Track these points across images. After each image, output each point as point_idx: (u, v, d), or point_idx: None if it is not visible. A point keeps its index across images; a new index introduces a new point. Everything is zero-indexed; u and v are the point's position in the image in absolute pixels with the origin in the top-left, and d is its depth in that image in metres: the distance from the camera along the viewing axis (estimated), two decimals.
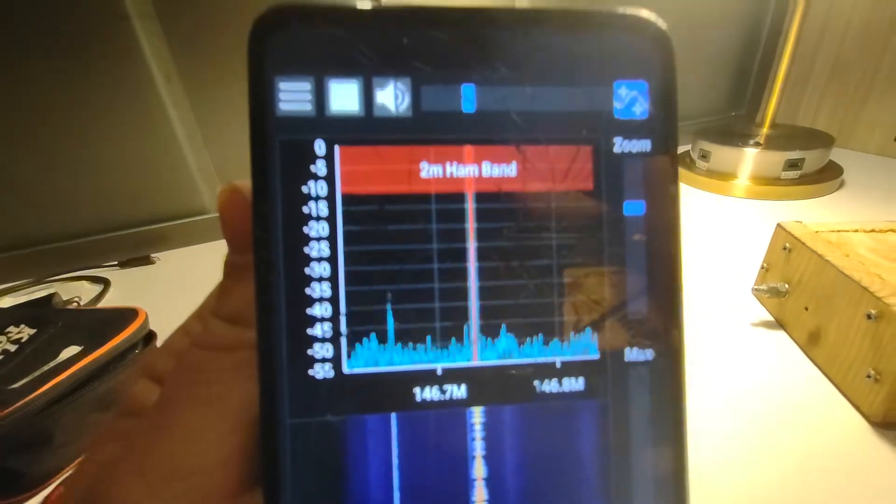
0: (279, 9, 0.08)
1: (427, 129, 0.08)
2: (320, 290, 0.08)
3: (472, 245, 0.09)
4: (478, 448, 0.08)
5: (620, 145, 0.09)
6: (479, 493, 0.08)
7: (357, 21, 0.08)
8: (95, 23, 0.62)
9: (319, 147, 0.08)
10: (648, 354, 0.09)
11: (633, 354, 0.09)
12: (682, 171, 0.84)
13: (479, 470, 0.08)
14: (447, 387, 0.09)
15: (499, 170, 0.09)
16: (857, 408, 0.35)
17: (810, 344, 0.41)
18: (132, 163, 0.70)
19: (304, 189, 0.08)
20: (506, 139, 0.09)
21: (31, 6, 0.58)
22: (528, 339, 0.09)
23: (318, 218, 0.08)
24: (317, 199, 0.08)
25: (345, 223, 0.08)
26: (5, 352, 0.40)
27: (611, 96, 0.09)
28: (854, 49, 0.88)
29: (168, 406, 0.09)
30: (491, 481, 0.08)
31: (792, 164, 0.72)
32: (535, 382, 0.09)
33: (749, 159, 0.75)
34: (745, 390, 0.38)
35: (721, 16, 0.98)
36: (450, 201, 0.09)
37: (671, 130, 0.10)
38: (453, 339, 0.09)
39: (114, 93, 0.66)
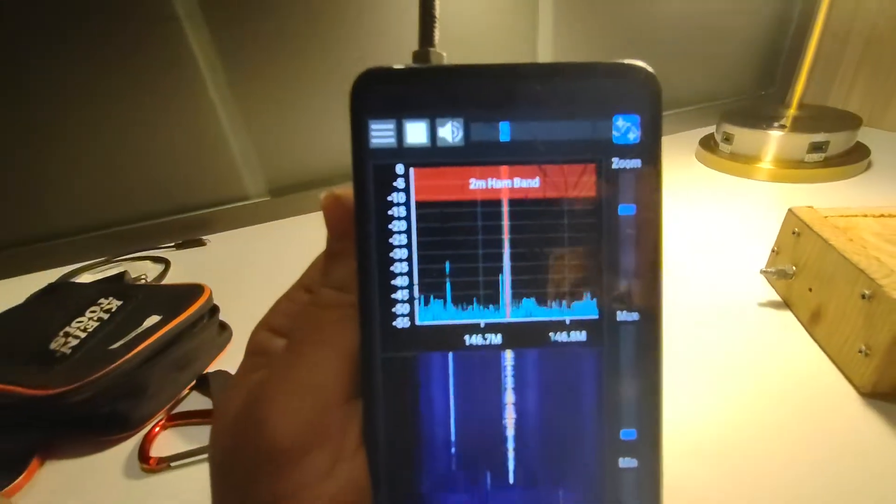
0: (370, 72, 0.12)
1: (474, 154, 0.12)
2: (401, 267, 0.12)
3: (506, 237, 0.12)
4: (508, 380, 0.12)
5: (617, 164, 0.13)
6: (510, 413, 0.12)
7: (423, 78, 0.12)
8: (147, 25, 0.67)
9: (400, 169, 0.12)
10: (635, 316, 0.13)
11: (623, 316, 0.13)
12: (705, 153, 0.85)
13: (509, 396, 0.12)
14: (487, 335, 0.12)
15: (526, 183, 0.12)
16: (850, 379, 0.39)
17: (812, 322, 0.44)
18: (183, 153, 0.77)
19: (390, 198, 0.12)
20: (531, 160, 0.12)
21: (91, 12, 0.64)
22: (546, 303, 0.12)
23: (399, 218, 0.12)
24: (398, 204, 0.12)
25: (417, 221, 0.12)
26: (101, 319, 0.47)
27: (610, 127, 0.12)
28: (888, 27, 0.85)
29: (298, 345, 0.13)
30: (518, 405, 0.12)
31: (816, 147, 0.73)
32: (550, 334, 0.12)
33: (773, 142, 0.76)
34: (749, 363, 0.42)
35: None
36: (490, 206, 0.12)
37: (657, 151, 0.13)
38: (492, 302, 0.12)
39: (166, 89, 0.72)
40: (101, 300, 0.50)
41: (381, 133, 0.12)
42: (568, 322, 0.12)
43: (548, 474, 0.12)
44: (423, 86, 0.11)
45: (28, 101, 0.67)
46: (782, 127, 0.77)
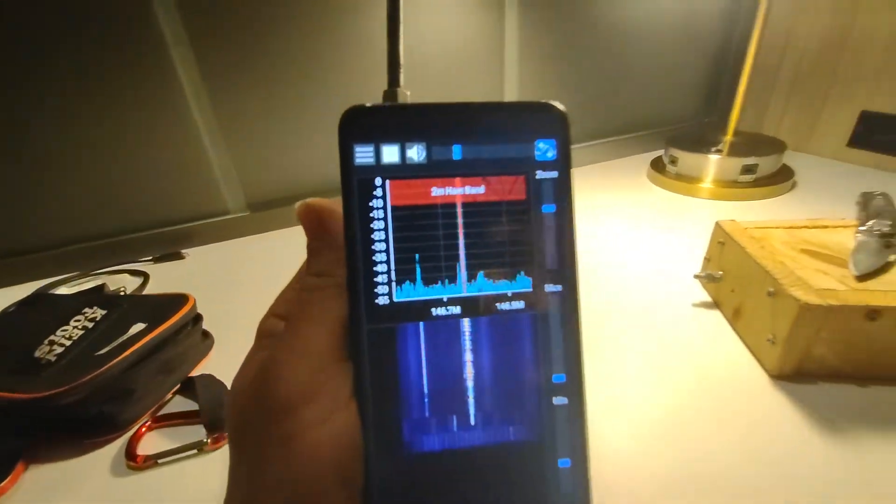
0: (353, 108, 0.15)
1: (434, 169, 0.15)
2: (381, 257, 0.15)
3: (460, 231, 0.16)
4: (467, 342, 0.15)
5: (540, 175, 0.16)
6: (469, 368, 0.15)
7: (394, 113, 0.15)
8: (134, 47, 0.71)
9: (378, 181, 0.15)
10: (559, 287, 0.16)
11: (550, 287, 0.16)
12: (655, 174, 0.94)
13: (468, 354, 0.15)
14: (449, 307, 0.15)
15: (474, 190, 0.16)
16: (762, 364, 0.45)
17: (734, 318, 0.51)
18: (164, 168, 0.79)
19: (371, 203, 0.15)
20: (477, 173, 0.16)
21: (80, 32, 0.67)
22: (493, 280, 0.16)
23: (379, 219, 0.15)
24: (378, 208, 0.15)
25: (393, 221, 0.15)
26: (85, 327, 0.49)
27: (534, 148, 0.16)
28: (811, 65, 0.97)
29: (293, 323, 0.16)
30: (474, 361, 0.15)
31: (748, 169, 0.82)
32: (497, 304, 0.15)
33: (711, 165, 0.85)
34: (682, 352, 0.48)
35: (696, 35, 1.07)
36: (448, 208, 0.15)
37: (567, 165, 0.16)
38: (451, 281, 0.15)
39: (149, 108, 0.75)
40: (86, 309, 0.52)
41: (362, 154, 0.15)
42: (509, 294, 0.16)
43: (501, 415, 0.15)
44: (394, 119, 0.15)
45: (12, 116, 0.68)
46: (719, 151, 0.86)
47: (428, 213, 0.15)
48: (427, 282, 0.15)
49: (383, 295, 0.15)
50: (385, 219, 0.15)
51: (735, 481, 0.36)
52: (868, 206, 0.52)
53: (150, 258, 0.79)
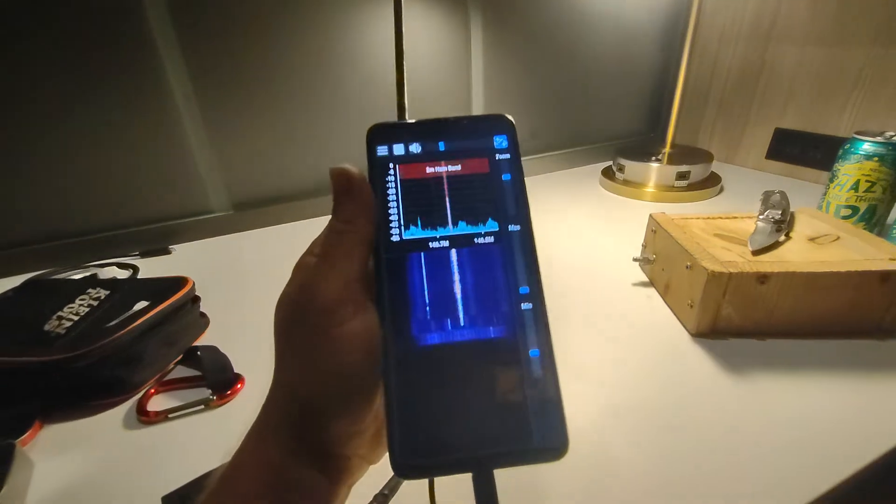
0: (376, 125, 0.23)
1: (427, 156, 0.22)
2: (393, 211, 0.22)
3: (446, 192, 0.21)
4: (454, 265, 0.21)
5: (498, 157, 0.24)
6: (458, 286, 0.21)
7: (403, 127, 0.23)
8: (124, 48, 0.75)
9: (391, 165, 0.22)
10: (518, 227, 0.21)
11: (512, 227, 0.21)
12: (605, 180, 1.06)
13: (455, 274, 0.21)
14: (441, 242, 0.21)
15: (454, 167, 0.23)
16: (684, 325, 0.55)
17: (665, 292, 0.61)
18: (151, 168, 0.83)
19: (387, 178, 0.22)
20: (455, 157, 0.24)
21: (70, 33, 0.71)
22: (470, 223, 0.21)
23: (393, 187, 0.21)
24: (391, 181, 0.22)
25: (401, 188, 0.21)
26: (90, 305, 0.53)
27: (493, 140, 0.24)
28: (733, 89, 1.13)
29: (327, 254, 0.21)
30: (460, 279, 0.20)
31: (681, 175, 0.95)
32: (475, 239, 0.21)
33: (652, 172, 0.97)
34: (623, 321, 0.57)
35: (641, 62, 1.22)
36: (438, 179, 0.22)
37: (516, 150, 0.24)
38: (442, 224, 0.21)
39: (137, 108, 0.79)
40: (90, 290, 0.56)
41: (381, 150, 0.23)
42: (483, 232, 0.21)
43: (483, 317, 0.20)
44: (402, 130, 0.23)
45: (2, 113, 0.71)
46: (659, 160, 0.98)
47: (424, 182, 0.22)
48: (424, 226, 0.22)
49: (396, 234, 0.22)
50: (396, 187, 0.22)
51: (662, 416, 0.44)
52: (767, 200, 0.64)
53: (137, 253, 0.82)
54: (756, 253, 0.54)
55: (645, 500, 0.36)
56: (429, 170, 0.22)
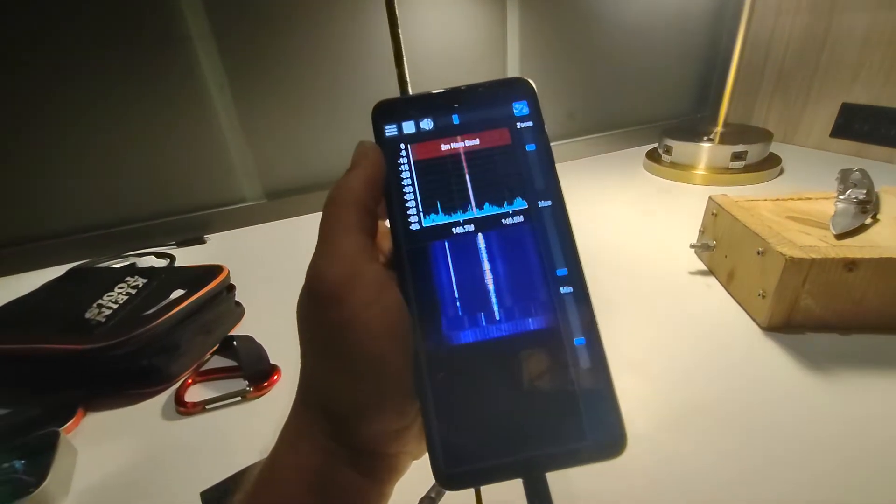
0: (382, 101, 0.21)
1: (442, 132, 0.20)
2: (411, 196, 0.20)
3: (466, 171, 0.21)
4: (483, 252, 0.19)
5: (520, 125, 0.21)
6: (489, 275, 0.19)
7: (411, 101, 0.21)
8: (162, 42, 0.75)
9: (402, 145, 0.21)
10: (549, 203, 0.19)
11: (542, 203, 0.19)
12: (650, 163, 0.99)
13: (485, 257, 0.19)
14: (465, 226, 0.19)
15: (472, 142, 0.21)
16: (753, 318, 0.50)
17: (728, 281, 0.55)
18: (186, 159, 0.83)
19: (400, 160, 0.20)
20: (472, 130, 0.20)
21: (110, 33, 0.72)
22: (497, 203, 0.19)
23: (407, 170, 0.20)
24: (404, 164, 0.20)
25: (416, 170, 0.20)
26: (129, 293, 0.53)
27: (512, 107, 0.21)
28: (793, 62, 1.04)
29: (326, 232, 0.18)
30: (491, 266, 0.19)
31: (737, 156, 0.87)
32: (502, 220, 0.19)
33: (704, 153, 0.90)
34: (678, 315, 0.52)
35: (688, 35, 1.13)
36: (455, 156, 0.20)
37: (539, 116, 0.21)
38: (465, 207, 0.19)
39: (173, 100, 0.79)
40: (128, 278, 0.55)
41: (389, 130, 0.21)
42: (511, 212, 0.19)
43: (520, 307, 0.18)
44: (409, 104, 0.21)
45: (47, 108, 0.72)
46: (711, 140, 0.91)
47: (441, 162, 0.20)
48: (446, 210, 0.19)
49: (415, 223, 0.19)
50: (411, 170, 0.20)
51: (732, 418, 0.40)
52: (846, 179, 0.57)
53: (174, 243, 0.83)
54: (840, 237, 0.48)
55: None
56: (444, 147, 0.20)
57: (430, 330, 0.18)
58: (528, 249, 0.19)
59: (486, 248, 0.19)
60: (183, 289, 0.53)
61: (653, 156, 1.01)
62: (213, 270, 0.57)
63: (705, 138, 0.92)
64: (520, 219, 0.19)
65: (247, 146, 0.86)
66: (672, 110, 1.23)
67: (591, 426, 0.17)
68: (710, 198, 0.60)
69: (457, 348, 0.18)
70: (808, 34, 1.00)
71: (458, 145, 0.20)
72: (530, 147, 0.20)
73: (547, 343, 0.18)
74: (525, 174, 0.20)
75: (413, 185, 0.20)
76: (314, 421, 0.18)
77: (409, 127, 0.20)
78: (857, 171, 0.59)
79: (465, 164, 0.20)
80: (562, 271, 0.19)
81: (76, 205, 0.80)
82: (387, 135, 0.20)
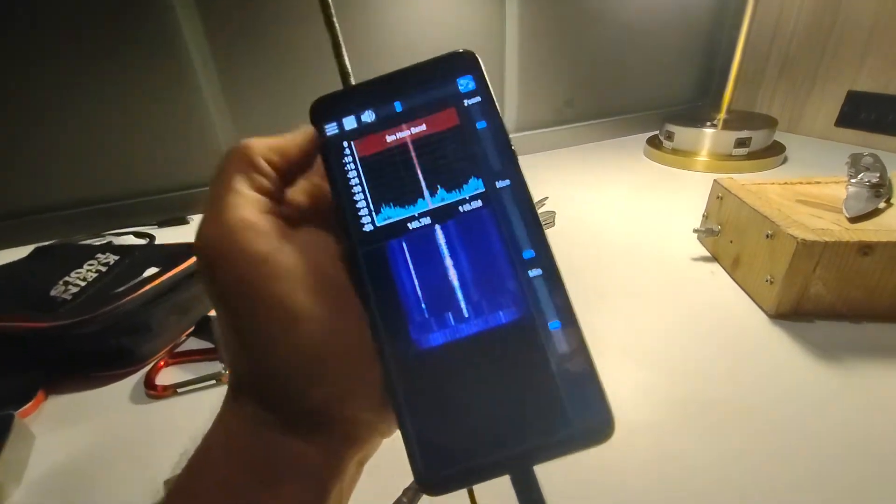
0: (321, 97, 0.19)
1: (385, 123, 0.19)
2: (360, 196, 0.19)
3: (415, 160, 0.19)
4: (443, 244, 0.18)
5: (467, 103, 0.19)
6: (452, 270, 0.18)
7: (348, 94, 0.19)
8: (143, 13, 0.71)
9: (346, 143, 0.19)
10: (507, 182, 0.18)
11: (500, 184, 0.18)
12: (651, 150, 0.96)
13: (446, 254, 0.18)
14: (421, 220, 0.18)
15: (418, 128, 0.19)
16: (760, 305, 0.47)
17: (733, 267, 0.53)
18: (170, 137, 0.80)
19: (345, 160, 0.19)
20: (418, 116, 0.19)
21: (91, 5, 0.67)
22: (451, 189, 0.18)
23: (353, 169, 0.18)
24: (349, 162, 0.19)
25: (363, 168, 0.18)
26: (99, 271, 0.49)
27: (457, 84, 0.20)
28: (799, 48, 1.01)
29: (210, 193, 0.17)
30: (453, 258, 0.18)
31: (741, 143, 0.85)
32: (459, 207, 0.18)
33: (706, 138, 0.88)
34: (680, 302, 0.50)
35: (690, 21, 1.10)
36: (402, 147, 0.19)
37: (487, 91, 0.19)
38: (418, 198, 0.18)
39: (157, 76, 0.75)
40: (98, 255, 0.52)
41: (331, 128, 0.19)
42: (467, 197, 0.18)
43: (488, 302, 0.17)
44: (348, 96, 0.19)
45: (26, 81, 0.68)
46: (714, 126, 0.89)
47: (388, 154, 0.19)
48: (399, 205, 0.18)
49: (368, 223, 0.18)
50: (357, 168, 0.19)
51: (738, 408, 0.37)
52: (857, 163, 0.55)
53: (155, 223, 0.79)
54: (854, 220, 0.45)
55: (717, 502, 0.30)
56: (389, 138, 0.19)
57: (396, 335, 0.17)
58: (490, 235, 0.18)
59: (446, 239, 0.18)
60: (157, 266, 0.50)
61: (654, 142, 0.98)
62: (189, 248, 0.53)
63: (708, 124, 0.89)
64: (478, 203, 0.18)
65: (232, 123, 0.82)
66: (673, 98, 1.20)
67: (575, 412, 0.16)
68: (715, 181, 0.57)
69: (427, 352, 0.17)
70: (815, 20, 0.97)
71: (404, 134, 0.19)
72: (481, 125, 0.19)
73: (521, 333, 0.17)
74: (479, 154, 0.18)
75: (361, 183, 0.18)
76: (246, 393, 0.16)
77: (349, 122, 0.19)
78: (868, 154, 0.56)
79: (413, 153, 0.19)
80: (528, 253, 0.17)
81: (52, 182, 0.76)
82: (328, 134, 0.19)
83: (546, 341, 0.16)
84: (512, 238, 0.17)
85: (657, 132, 1.01)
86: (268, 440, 0.16)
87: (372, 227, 0.18)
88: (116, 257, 0.52)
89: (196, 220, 0.79)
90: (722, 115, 0.93)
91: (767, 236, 0.45)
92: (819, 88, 0.99)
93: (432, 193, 0.18)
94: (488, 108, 0.19)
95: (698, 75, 1.20)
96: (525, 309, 0.17)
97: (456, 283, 0.17)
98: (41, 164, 0.74)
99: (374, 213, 0.18)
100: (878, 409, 0.36)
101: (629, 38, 1.06)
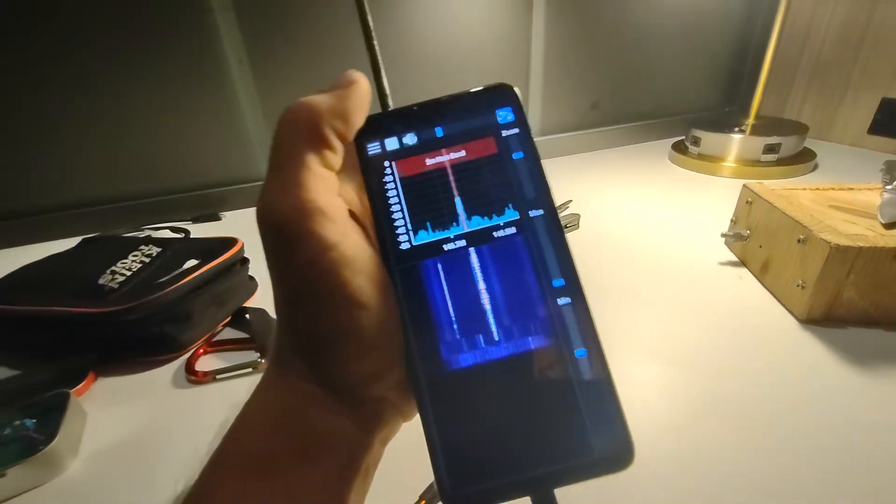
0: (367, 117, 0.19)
1: (425, 146, 0.20)
2: (398, 215, 0.19)
3: (453, 185, 0.19)
4: (476, 264, 0.18)
5: (505, 133, 0.20)
6: (484, 294, 0.18)
7: (392, 116, 0.20)
8: (182, 15, 0.74)
9: (387, 163, 0.19)
10: (540, 212, 0.19)
11: (533, 213, 0.19)
12: (676, 155, 0.96)
13: (479, 274, 0.18)
14: (456, 242, 0.18)
15: (457, 154, 0.19)
16: (790, 311, 0.47)
17: (762, 272, 0.52)
18: (203, 135, 0.83)
19: (385, 179, 0.20)
20: (457, 142, 0.20)
21: (132, 5, 0.71)
22: (486, 215, 0.19)
23: (393, 188, 0.19)
24: (390, 182, 0.19)
25: (403, 188, 0.19)
26: (142, 261, 0.52)
27: (496, 116, 0.20)
28: (831, 54, 0.99)
29: (272, 160, 0.17)
30: (485, 279, 0.18)
31: (770, 149, 0.84)
32: (493, 233, 0.19)
33: (734, 144, 0.87)
34: (708, 307, 0.50)
35: (718, 25, 1.09)
36: (441, 171, 0.19)
37: (524, 122, 0.20)
38: (454, 222, 0.19)
39: (193, 76, 0.78)
40: (142, 246, 0.55)
41: (373, 148, 0.20)
42: (502, 224, 0.19)
43: (518, 327, 0.18)
44: (391, 119, 0.20)
45: (64, 79, 0.72)
46: (742, 131, 0.88)
47: (427, 177, 0.19)
48: (435, 227, 0.19)
49: (405, 242, 0.19)
50: (397, 188, 0.19)
51: (767, 414, 0.37)
52: (892, 170, 0.54)
53: (189, 219, 0.82)
54: (889, 227, 0.45)
55: None
56: (430, 161, 0.20)
57: (427, 353, 0.18)
58: (522, 262, 0.18)
59: (480, 263, 0.18)
60: (196, 259, 0.52)
61: (679, 148, 0.97)
62: (227, 242, 0.56)
63: (736, 129, 0.88)
64: (512, 230, 0.19)
65: (265, 122, 0.85)
66: (699, 103, 1.19)
67: (597, 439, 0.16)
68: (744, 185, 0.57)
69: (456, 372, 0.17)
70: (848, 25, 0.95)
71: (444, 158, 0.19)
72: (517, 155, 0.19)
73: (548, 359, 0.17)
74: (514, 183, 0.19)
75: (401, 202, 0.19)
76: (289, 365, 0.18)
77: (391, 143, 0.20)
78: None
79: (451, 177, 0.19)
80: (558, 282, 0.18)
81: (89, 178, 0.80)
82: (370, 153, 0.20)
83: (572, 368, 0.17)
84: (543, 266, 0.18)
85: (683, 137, 1.01)
86: (308, 412, 0.17)
87: (409, 246, 0.19)
88: (158, 249, 0.54)
89: (229, 216, 0.83)
90: (751, 121, 0.92)
91: (799, 241, 0.45)
92: (851, 95, 0.97)
93: (468, 217, 0.19)
94: (525, 139, 0.20)
95: (726, 81, 1.19)
96: (553, 336, 0.17)
97: (488, 306, 0.18)
98: (78, 161, 0.78)
99: (411, 233, 0.19)
100: None
101: (656, 42, 1.06)
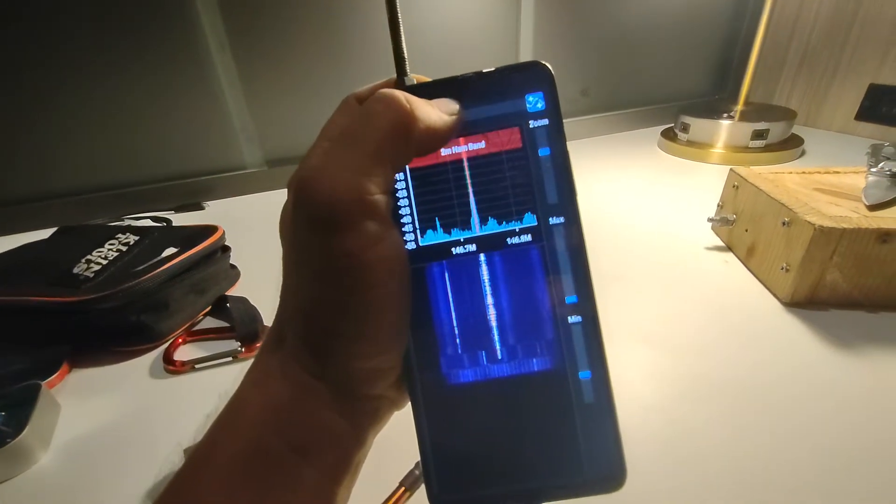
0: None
1: None
2: (405, 210, 0.17)
3: (468, 181, 0.17)
4: (484, 273, 0.17)
5: (533, 124, 0.17)
6: (489, 291, 0.17)
7: (415, 89, 0.17)
8: (164, 1, 0.72)
9: None
10: (561, 220, 0.17)
11: (553, 220, 0.17)
12: (665, 142, 0.96)
13: (486, 282, 0.17)
14: (466, 246, 0.17)
15: (476, 146, 0.17)
16: (775, 294, 0.47)
17: (748, 256, 0.52)
18: (186, 123, 0.81)
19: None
20: (477, 131, 0.17)
21: None
22: (502, 219, 0.17)
23: (400, 181, 0.17)
24: (400, 172, 0.17)
25: (412, 182, 0.17)
26: (119, 250, 0.51)
27: (525, 102, 0.17)
28: (820, 41, 0.99)
29: (348, 133, 0.16)
30: (493, 290, 0.17)
31: (758, 134, 0.83)
32: (507, 239, 0.17)
33: (723, 130, 0.86)
34: (694, 290, 0.50)
35: (708, 13, 1.08)
36: (456, 163, 0.17)
37: (557, 112, 0.17)
38: (466, 224, 0.17)
39: (174, 63, 0.76)
40: (119, 235, 0.53)
41: None
42: (517, 230, 0.17)
43: (523, 346, 0.17)
44: (415, 93, 0.17)
45: (41, 66, 0.70)
46: (731, 118, 0.87)
47: (440, 170, 0.17)
48: (446, 227, 0.17)
49: (411, 241, 0.17)
50: (406, 180, 0.17)
51: (752, 395, 0.37)
52: (878, 153, 0.54)
53: (171, 208, 0.80)
54: (873, 208, 0.45)
55: (730, 490, 0.30)
56: (445, 151, 0.17)
57: (427, 364, 0.17)
58: (535, 274, 0.17)
59: (490, 272, 0.17)
60: (175, 247, 0.51)
61: (668, 135, 0.97)
62: (207, 230, 0.54)
63: (725, 115, 0.88)
64: (527, 238, 0.17)
65: (248, 110, 0.83)
66: (689, 91, 1.19)
67: (591, 460, 0.16)
68: (731, 170, 0.57)
69: (456, 387, 0.17)
70: (837, 11, 0.95)
71: (461, 149, 0.17)
72: (544, 152, 0.17)
73: (551, 381, 0.17)
74: (537, 185, 0.17)
75: (409, 197, 0.17)
76: (291, 356, 0.17)
77: None
78: (889, 145, 0.55)
79: (468, 172, 0.17)
80: (571, 299, 0.17)
81: (68, 166, 0.77)
82: None
83: (574, 390, 0.16)
84: (557, 280, 0.17)
85: (672, 125, 1.00)
86: (307, 407, 0.16)
87: (415, 246, 0.17)
88: (136, 237, 0.53)
89: (212, 206, 0.81)
90: (739, 107, 0.91)
91: (784, 224, 0.45)
92: (840, 81, 0.97)
93: (482, 220, 0.17)
94: (555, 134, 0.17)
95: (716, 68, 1.18)
96: (559, 359, 0.17)
97: (493, 322, 0.17)
98: (57, 149, 0.75)
99: (418, 231, 0.17)
100: (892, 397, 0.36)
101: (646, 30, 1.05)
